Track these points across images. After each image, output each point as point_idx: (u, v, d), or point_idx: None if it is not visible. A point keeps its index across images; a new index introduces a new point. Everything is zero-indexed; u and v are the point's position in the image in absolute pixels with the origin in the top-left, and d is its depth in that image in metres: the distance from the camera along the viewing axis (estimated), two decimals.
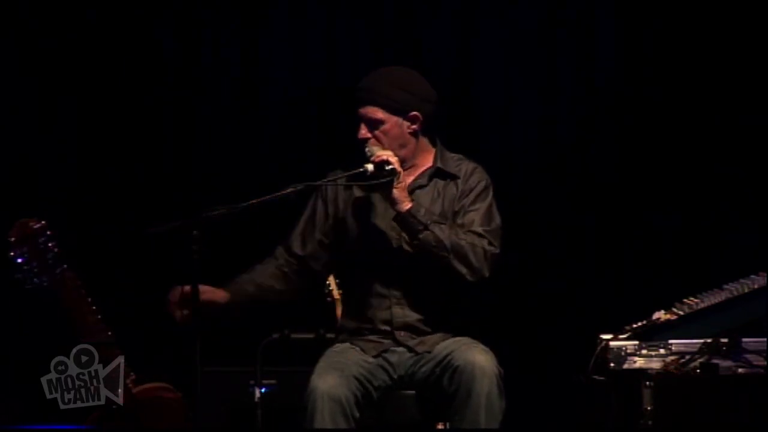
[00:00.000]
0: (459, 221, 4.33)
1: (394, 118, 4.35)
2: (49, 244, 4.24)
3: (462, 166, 4.44)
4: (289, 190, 4.34)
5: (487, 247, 4.30)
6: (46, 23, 5.64)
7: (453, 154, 4.44)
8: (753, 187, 5.51)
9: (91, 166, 5.64)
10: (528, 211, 5.67)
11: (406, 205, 4.26)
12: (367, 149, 4.32)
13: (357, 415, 4.15)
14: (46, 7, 5.63)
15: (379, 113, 4.34)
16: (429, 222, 4.24)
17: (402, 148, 4.35)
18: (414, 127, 4.39)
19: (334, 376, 4.14)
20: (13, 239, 4.24)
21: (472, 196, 4.39)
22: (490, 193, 4.41)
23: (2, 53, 5.62)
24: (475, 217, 4.34)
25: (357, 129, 4.35)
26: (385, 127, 4.35)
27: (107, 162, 5.65)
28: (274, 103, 5.72)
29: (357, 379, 4.19)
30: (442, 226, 4.26)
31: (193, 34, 5.72)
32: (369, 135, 4.34)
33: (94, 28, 5.65)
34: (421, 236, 4.24)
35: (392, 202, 4.26)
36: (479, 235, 4.30)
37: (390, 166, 4.24)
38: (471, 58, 5.71)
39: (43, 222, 4.26)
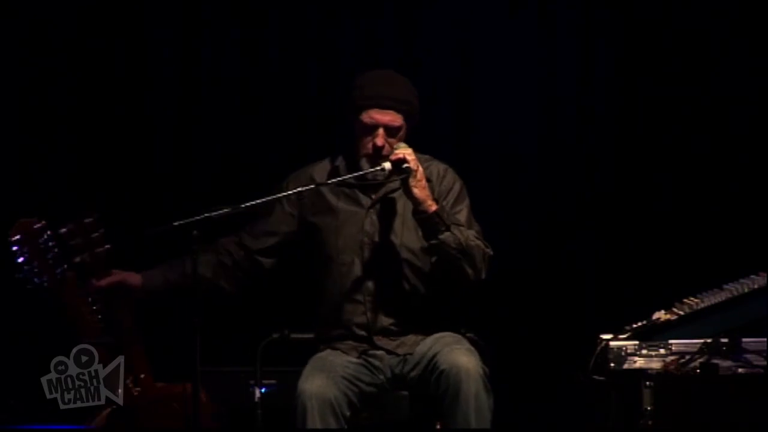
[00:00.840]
0: None
1: (406, 125, 4.35)
2: (50, 244, 4.24)
3: (432, 167, 4.42)
4: (290, 191, 4.34)
5: (486, 250, 4.31)
6: (46, 21, 5.63)
7: (421, 155, 4.38)
8: (753, 187, 5.51)
9: (90, 166, 5.64)
10: (528, 211, 5.66)
11: (433, 206, 4.23)
12: (395, 146, 4.29)
13: (348, 413, 4.14)
14: (47, 5, 5.63)
15: (399, 120, 4.32)
16: (450, 223, 4.23)
17: None
18: (407, 130, 4.38)
19: (322, 378, 4.14)
20: (13, 239, 4.24)
21: (451, 198, 4.38)
22: (466, 194, 4.41)
23: (2, 52, 5.61)
24: (460, 219, 4.33)
25: (371, 134, 4.31)
26: (401, 134, 4.34)
27: (107, 162, 5.64)
28: (274, 103, 5.71)
29: (346, 378, 4.19)
30: (461, 227, 4.25)
31: (193, 34, 5.72)
32: (387, 144, 4.31)
33: (94, 27, 5.65)
34: (441, 237, 4.22)
35: (416, 202, 4.23)
36: (476, 237, 4.30)
37: (406, 165, 4.22)
38: (471, 59, 5.70)
39: (43, 222, 4.26)
